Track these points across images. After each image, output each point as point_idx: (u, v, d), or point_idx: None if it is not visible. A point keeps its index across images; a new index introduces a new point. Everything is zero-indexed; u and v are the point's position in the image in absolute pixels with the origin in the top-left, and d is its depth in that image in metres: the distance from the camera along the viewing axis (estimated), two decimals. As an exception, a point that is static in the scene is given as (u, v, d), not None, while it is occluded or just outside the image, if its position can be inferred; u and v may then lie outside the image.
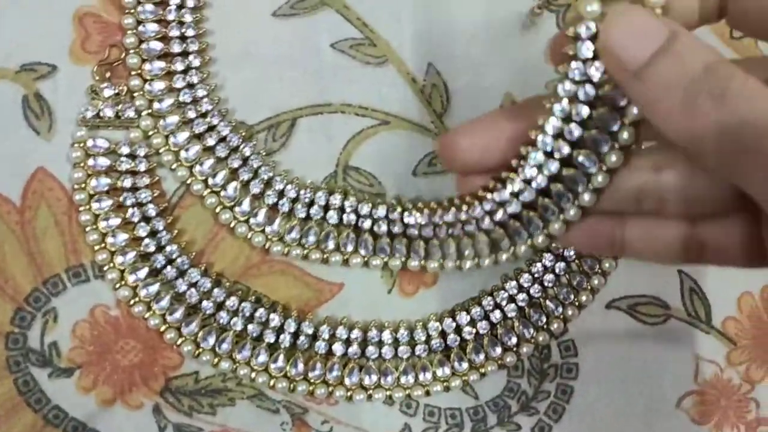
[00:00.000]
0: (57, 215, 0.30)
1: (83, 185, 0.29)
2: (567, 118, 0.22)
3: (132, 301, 0.30)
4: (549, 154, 0.22)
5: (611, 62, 0.20)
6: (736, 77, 0.19)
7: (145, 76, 0.30)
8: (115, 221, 0.29)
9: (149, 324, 0.30)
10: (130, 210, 0.30)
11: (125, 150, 0.30)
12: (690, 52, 0.19)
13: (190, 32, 0.30)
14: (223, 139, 0.30)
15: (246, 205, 0.30)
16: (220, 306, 0.30)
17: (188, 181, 0.30)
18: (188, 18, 0.30)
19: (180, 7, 0.30)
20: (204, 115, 0.30)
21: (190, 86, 0.30)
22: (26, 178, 0.29)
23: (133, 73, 0.30)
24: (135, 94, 0.30)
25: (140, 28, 0.30)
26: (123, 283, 0.30)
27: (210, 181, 0.30)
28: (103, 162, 0.29)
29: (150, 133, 0.30)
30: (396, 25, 0.31)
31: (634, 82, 0.19)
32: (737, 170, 0.19)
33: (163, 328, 0.30)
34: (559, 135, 0.22)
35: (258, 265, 0.31)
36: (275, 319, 0.30)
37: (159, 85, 0.30)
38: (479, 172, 0.24)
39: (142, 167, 0.30)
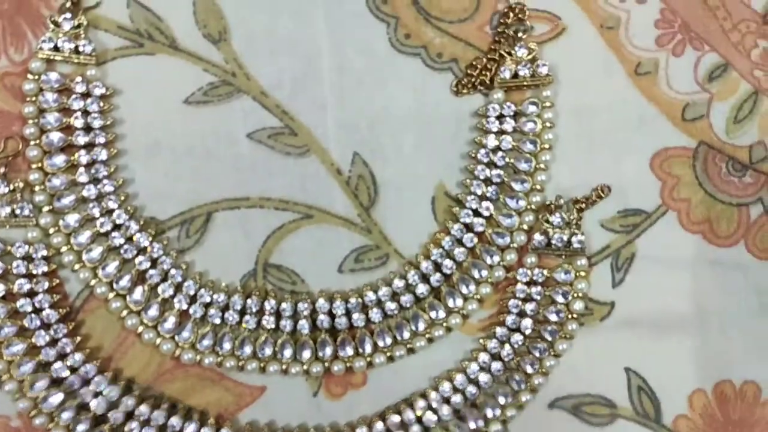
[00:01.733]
0: (-50, 323, 0.28)
1: (-24, 292, 0.27)
2: None
3: (33, 413, 0.28)
4: None
5: None
6: None
7: (46, 169, 0.28)
8: (11, 330, 0.27)
9: (53, 436, 0.28)
10: (28, 317, 0.27)
11: (21, 251, 0.28)
12: None
13: (96, 123, 0.28)
14: (130, 239, 0.28)
15: (154, 310, 0.28)
16: (130, 415, 0.28)
17: (92, 284, 0.28)
18: (94, 108, 0.28)
19: (86, 95, 0.28)
20: (110, 212, 0.28)
21: (96, 181, 0.28)
22: None
23: (33, 166, 0.28)
24: (35, 188, 0.28)
25: (42, 117, 0.28)
26: (23, 394, 0.28)
27: (115, 284, 0.28)
28: (-3, 266, 0.27)
29: (50, 231, 0.28)
30: (319, 113, 0.29)
31: None
32: None
33: (68, 440, 0.28)
34: None
35: (171, 370, 0.29)
36: (190, 427, 0.28)
37: (61, 180, 0.28)
38: None
39: (41, 270, 0.28)
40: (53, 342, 0.28)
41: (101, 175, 0.28)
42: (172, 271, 0.28)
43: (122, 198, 0.28)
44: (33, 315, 0.27)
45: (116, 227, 0.28)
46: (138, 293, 0.28)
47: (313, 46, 0.29)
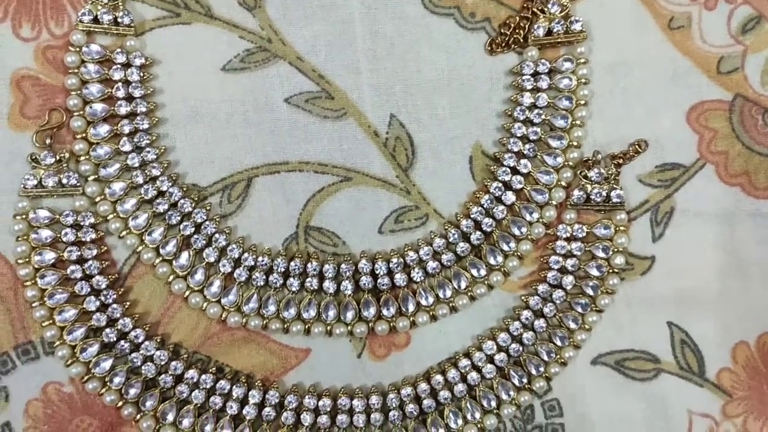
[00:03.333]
0: (2, 291, 0.28)
1: (27, 259, 0.28)
2: None
3: (86, 378, 0.28)
4: None
5: None
6: None
7: (90, 139, 0.28)
8: (63, 296, 0.28)
9: (105, 400, 0.28)
10: (78, 283, 0.28)
11: (70, 220, 0.28)
12: None
13: (137, 92, 0.28)
14: (174, 205, 0.29)
15: (200, 274, 0.28)
16: (179, 379, 0.29)
17: (138, 250, 0.29)
18: (135, 77, 0.28)
19: (126, 65, 0.28)
20: (153, 179, 0.29)
21: (139, 149, 0.29)
22: (-32, 253, 0.28)
23: (77, 137, 0.28)
24: (80, 159, 0.28)
25: (84, 89, 0.28)
26: (75, 359, 0.28)
27: (161, 249, 0.28)
28: (47, 234, 0.28)
29: (96, 200, 0.28)
30: (355, 76, 0.29)
31: None
32: None
33: (120, 404, 0.28)
34: None
35: (218, 334, 0.29)
36: (238, 390, 0.29)
37: (105, 150, 0.28)
38: None
39: (89, 237, 0.28)
40: (103, 308, 0.28)
41: (144, 143, 0.28)
42: (216, 236, 0.29)
43: (165, 165, 0.29)
44: (83, 281, 0.28)
45: (160, 194, 0.28)
46: (184, 258, 0.28)
47: (346, 11, 0.29)
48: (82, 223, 0.28)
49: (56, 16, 0.28)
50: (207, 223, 0.29)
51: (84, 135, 0.28)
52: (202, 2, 0.29)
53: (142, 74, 0.28)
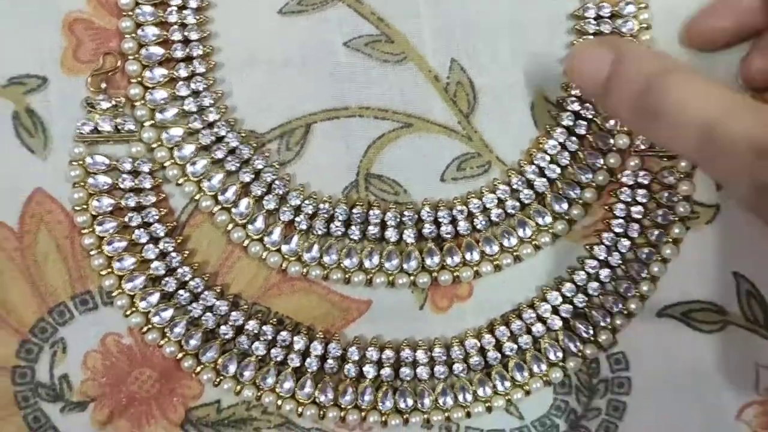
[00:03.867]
0: (58, 239, 0.27)
1: (85, 206, 0.27)
2: None
3: (145, 329, 0.28)
4: None
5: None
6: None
7: (145, 83, 0.27)
8: (121, 244, 0.27)
9: (165, 352, 0.28)
10: (137, 231, 0.27)
11: (127, 166, 0.27)
12: (633, 66, 0.23)
13: (193, 35, 0.28)
14: (232, 151, 0.28)
15: (260, 222, 0.28)
16: (239, 330, 0.28)
17: (197, 197, 0.28)
18: (191, 20, 0.27)
19: (182, 8, 0.28)
20: (211, 125, 0.28)
21: (195, 94, 0.28)
22: (23, 200, 0.27)
23: (132, 81, 0.27)
24: (136, 104, 0.27)
25: (139, 31, 0.27)
26: (134, 309, 0.27)
27: (220, 196, 0.28)
28: (104, 180, 0.27)
29: (153, 146, 0.28)
30: (414, 20, 0.28)
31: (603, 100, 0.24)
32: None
33: (180, 356, 0.28)
34: None
35: (278, 284, 0.29)
36: (300, 342, 0.28)
37: (161, 94, 0.27)
38: None
39: (147, 184, 0.27)
40: (162, 256, 0.28)
41: (200, 88, 0.28)
42: (276, 183, 0.28)
43: (222, 110, 0.28)
44: (141, 229, 0.27)
45: (218, 140, 0.28)
46: (243, 206, 0.28)
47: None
48: (139, 170, 0.27)
49: (110, -42, 0.28)
50: (266, 169, 0.28)
51: (139, 79, 0.27)
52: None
53: (198, 17, 0.28)
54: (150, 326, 0.28)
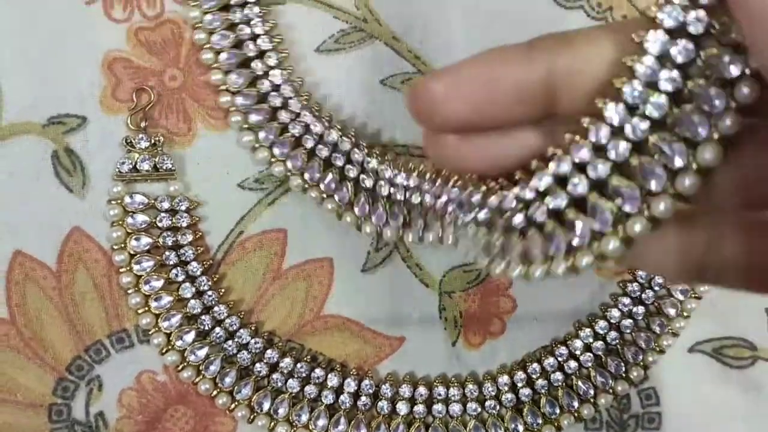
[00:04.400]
0: (96, 278, 0.28)
1: (122, 245, 0.27)
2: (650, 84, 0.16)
3: (180, 366, 0.28)
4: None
5: None
6: None
7: (230, 89, 0.27)
8: (158, 283, 0.27)
9: (200, 389, 0.28)
10: (174, 270, 0.28)
11: (165, 205, 0.27)
12: None
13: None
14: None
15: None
16: (273, 367, 0.28)
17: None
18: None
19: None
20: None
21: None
22: (61, 239, 0.27)
23: (220, 89, 0.27)
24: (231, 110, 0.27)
25: (213, 37, 0.27)
26: (170, 347, 0.28)
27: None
28: (142, 219, 0.27)
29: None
30: (450, 58, 0.28)
31: None
32: None
33: (214, 393, 0.28)
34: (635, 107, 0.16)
35: (311, 321, 0.29)
36: (333, 379, 0.28)
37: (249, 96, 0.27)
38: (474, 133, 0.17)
39: (184, 222, 0.28)
40: (198, 294, 0.28)
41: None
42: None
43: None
44: (178, 268, 0.28)
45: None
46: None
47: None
48: (177, 208, 0.28)
49: (148, -3, 0.28)
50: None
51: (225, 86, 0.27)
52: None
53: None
54: (185, 364, 0.28)
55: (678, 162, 0.15)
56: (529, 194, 0.17)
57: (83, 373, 0.28)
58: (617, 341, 0.29)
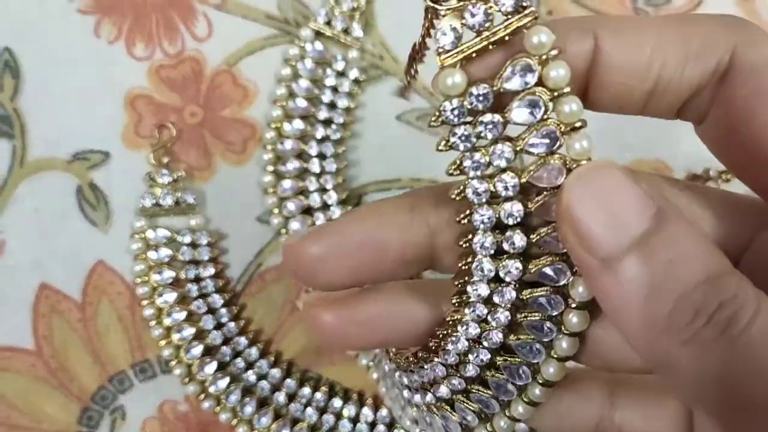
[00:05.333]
0: (119, 310, 0.28)
1: (145, 278, 0.28)
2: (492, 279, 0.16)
3: (201, 396, 0.28)
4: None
5: (572, 240, 0.14)
6: (749, 302, 0.13)
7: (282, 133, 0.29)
8: (180, 315, 0.28)
9: (221, 418, 0.28)
10: (195, 302, 0.28)
11: (187, 239, 0.28)
12: (685, 247, 0.14)
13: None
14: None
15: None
16: (292, 397, 0.29)
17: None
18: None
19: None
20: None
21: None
22: (86, 273, 0.28)
23: (272, 125, 0.29)
24: (268, 147, 0.29)
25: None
26: (191, 377, 0.28)
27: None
28: (165, 253, 0.28)
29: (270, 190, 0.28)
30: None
31: (603, 274, 0.14)
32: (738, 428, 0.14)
33: (234, 422, 0.28)
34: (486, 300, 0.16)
35: (330, 352, 0.29)
36: (350, 408, 0.29)
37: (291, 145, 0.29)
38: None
39: (205, 256, 0.28)
40: (219, 326, 0.28)
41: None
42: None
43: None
44: (200, 300, 0.28)
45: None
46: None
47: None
48: (198, 242, 0.28)
49: (169, 36, 0.28)
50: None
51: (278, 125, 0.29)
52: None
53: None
54: (206, 394, 0.28)
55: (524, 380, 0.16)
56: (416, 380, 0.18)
57: (107, 402, 0.29)
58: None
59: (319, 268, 0.16)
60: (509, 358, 0.16)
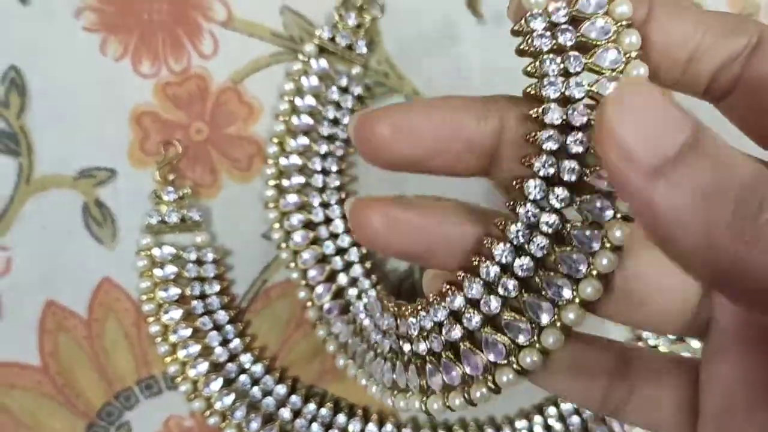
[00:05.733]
0: (125, 327, 0.28)
1: (151, 295, 0.28)
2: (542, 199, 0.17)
3: (207, 412, 0.28)
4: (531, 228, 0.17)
5: (615, 155, 0.14)
6: None
7: (285, 148, 0.29)
8: (186, 332, 0.28)
9: (225, 434, 0.29)
10: (201, 319, 0.28)
11: (192, 256, 0.28)
12: (726, 154, 0.14)
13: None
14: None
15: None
16: (297, 413, 0.29)
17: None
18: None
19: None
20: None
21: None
22: (92, 289, 0.28)
23: (274, 140, 0.29)
24: (269, 160, 0.29)
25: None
26: (197, 394, 0.28)
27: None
28: (171, 270, 0.28)
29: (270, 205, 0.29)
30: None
31: (649, 187, 0.13)
32: None
33: (239, 438, 0.29)
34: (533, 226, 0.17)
35: (334, 369, 0.29)
36: (356, 424, 0.29)
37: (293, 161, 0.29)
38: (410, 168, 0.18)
39: (211, 273, 0.28)
40: (224, 342, 0.29)
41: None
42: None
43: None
44: (205, 316, 0.28)
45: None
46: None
47: (462, 46, 0.29)
48: (203, 259, 0.28)
49: (175, 53, 0.29)
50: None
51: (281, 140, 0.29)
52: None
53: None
54: (212, 410, 0.28)
55: (566, 294, 0.17)
56: (428, 323, 0.18)
57: (113, 418, 0.29)
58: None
59: (386, 145, 0.17)
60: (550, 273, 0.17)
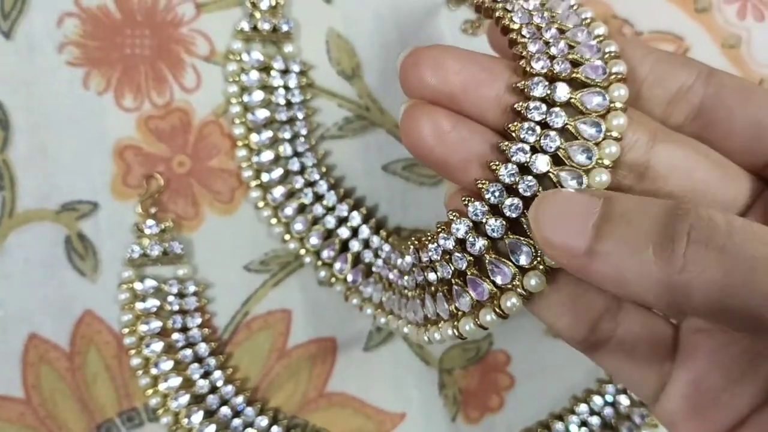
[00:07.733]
0: (107, 359, 0.29)
1: (133, 328, 0.28)
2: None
3: (188, 444, 0.29)
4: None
5: (556, 255, 0.17)
6: (716, 215, 0.16)
7: (252, 146, 0.29)
8: (167, 364, 0.28)
9: (206, 466, 0.29)
10: (182, 351, 0.28)
11: (174, 289, 0.28)
12: (637, 206, 0.16)
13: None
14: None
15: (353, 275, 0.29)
16: (278, 444, 0.29)
17: (301, 253, 0.29)
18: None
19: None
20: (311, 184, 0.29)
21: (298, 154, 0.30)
22: (73, 322, 0.28)
23: (239, 143, 0.29)
24: (243, 165, 0.29)
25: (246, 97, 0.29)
26: (178, 426, 0.29)
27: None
28: (152, 303, 0.28)
29: (260, 204, 0.29)
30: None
31: (591, 262, 0.16)
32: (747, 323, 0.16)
33: (220, 469, 0.29)
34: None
35: (315, 399, 0.30)
36: (336, 455, 0.29)
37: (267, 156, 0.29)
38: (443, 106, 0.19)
39: (192, 306, 0.29)
40: (206, 375, 0.29)
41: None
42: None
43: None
44: (186, 349, 0.28)
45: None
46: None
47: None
48: (185, 292, 0.29)
49: (158, 87, 0.29)
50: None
51: (246, 142, 0.29)
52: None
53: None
54: (194, 442, 0.29)
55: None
56: (450, 244, 0.19)
57: (95, 450, 0.29)
58: (612, 417, 0.30)
59: (432, 72, 0.19)
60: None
